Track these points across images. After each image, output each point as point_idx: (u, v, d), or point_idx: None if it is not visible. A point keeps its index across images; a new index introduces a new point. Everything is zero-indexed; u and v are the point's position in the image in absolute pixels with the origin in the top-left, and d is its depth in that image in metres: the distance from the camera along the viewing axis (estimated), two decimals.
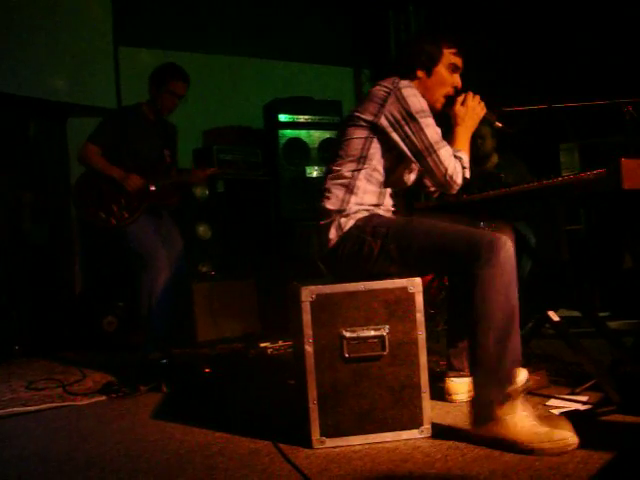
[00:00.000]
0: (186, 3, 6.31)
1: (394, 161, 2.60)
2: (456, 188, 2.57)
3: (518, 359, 2.26)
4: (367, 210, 2.55)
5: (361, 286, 2.33)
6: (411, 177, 2.79)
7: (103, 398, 3.25)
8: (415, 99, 2.51)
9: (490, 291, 2.24)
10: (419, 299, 2.35)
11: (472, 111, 2.65)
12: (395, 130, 2.52)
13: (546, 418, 2.24)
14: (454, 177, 2.52)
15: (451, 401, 2.74)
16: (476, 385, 2.30)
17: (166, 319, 4.01)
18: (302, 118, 5.84)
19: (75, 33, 5.72)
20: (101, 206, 3.96)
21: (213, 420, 2.70)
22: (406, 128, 2.50)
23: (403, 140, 2.53)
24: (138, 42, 6.11)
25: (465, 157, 2.59)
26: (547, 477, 1.91)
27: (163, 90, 4.05)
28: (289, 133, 5.84)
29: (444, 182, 2.54)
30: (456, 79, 2.69)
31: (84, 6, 5.83)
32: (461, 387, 2.75)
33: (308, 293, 2.30)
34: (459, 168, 2.54)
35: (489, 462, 2.05)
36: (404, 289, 2.34)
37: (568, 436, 2.10)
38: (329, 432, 2.29)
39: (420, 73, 2.66)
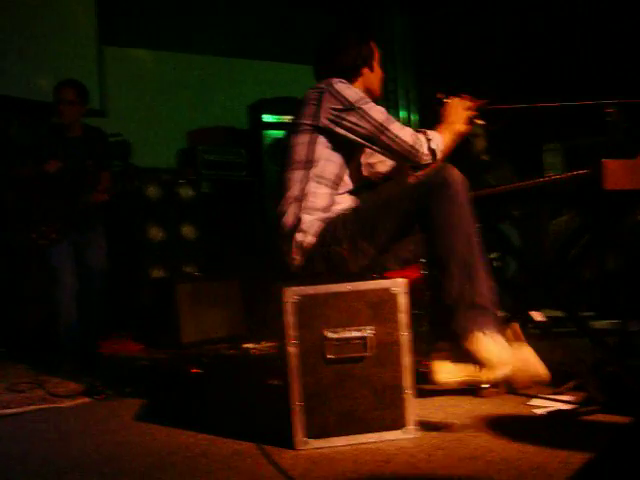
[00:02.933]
0: (171, 3, 6.29)
1: (348, 155, 2.62)
2: (425, 158, 2.58)
3: (488, 294, 2.31)
4: (321, 219, 2.53)
5: (345, 287, 2.33)
6: (387, 164, 2.84)
7: (86, 400, 3.23)
8: (350, 90, 2.58)
9: (447, 219, 2.30)
10: (403, 300, 2.34)
11: (456, 110, 2.69)
12: (338, 124, 2.55)
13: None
14: (415, 145, 2.55)
15: (435, 381, 2.65)
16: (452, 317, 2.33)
17: (76, 335, 4.01)
18: (287, 118, 5.84)
19: (59, 33, 5.69)
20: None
21: (197, 421, 2.69)
22: (350, 118, 2.54)
23: (350, 131, 2.56)
24: (123, 42, 6.08)
25: (433, 135, 2.62)
26: (531, 477, 1.91)
27: (56, 101, 4.10)
28: (274, 133, 5.84)
29: (407, 154, 2.57)
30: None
31: (68, 6, 5.80)
32: (445, 367, 2.71)
33: (291, 294, 2.29)
34: (422, 138, 2.58)
35: (473, 462, 2.05)
36: (387, 290, 2.33)
37: (540, 369, 2.17)
38: (313, 433, 2.28)
39: (365, 70, 2.77)
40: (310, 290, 2.31)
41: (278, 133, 5.82)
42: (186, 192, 5.27)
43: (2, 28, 5.37)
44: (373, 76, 2.82)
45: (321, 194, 2.55)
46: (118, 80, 5.89)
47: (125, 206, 4.95)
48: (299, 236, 2.51)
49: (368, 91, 2.74)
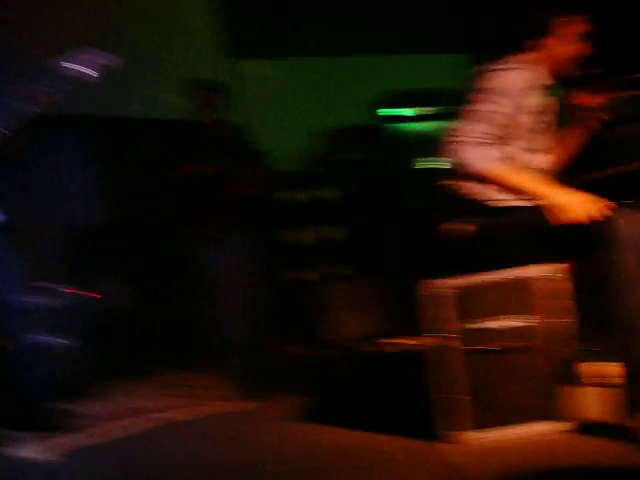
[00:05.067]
0: (285, 10, 6.37)
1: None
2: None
3: None
4: (502, 198, 2.45)
5: (504, 275, 2.25)
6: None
7: (250, 404, 3.31)
8: (499, 79, 2.40)
9: None
10: (566, 286, 2.24)
11: (572, 199, 2.25)
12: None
13: None
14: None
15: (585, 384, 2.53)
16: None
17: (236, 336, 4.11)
18: (414, 110, 5.75)
19: (188, 50, 5.90)
20: None
21: (359, 421, 2.68)
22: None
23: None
24: (250, 54, 6.22)
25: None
26: None
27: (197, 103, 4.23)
28: (401, 127, 5.77)
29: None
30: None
31: (195, 22, 6.00)
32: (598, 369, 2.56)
33: (448, 285, 2.25)
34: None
35: None
36: (548, 276, 2.24)
37: None
38: (478, 425, 2.23)
39: (545, 41, 2.48)
40: (467, 280, 2.25)
41: (405, 126, 5.74)
42: (329, 194, 5.32)
43: (135, 54, 5.62)
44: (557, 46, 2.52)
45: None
46: (249, 91, 6.02)
47: (271, 212, 5.06)
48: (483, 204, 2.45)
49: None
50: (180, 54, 5.83)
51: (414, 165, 5.66)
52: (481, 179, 2.39)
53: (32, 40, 4.52)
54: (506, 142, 2.44)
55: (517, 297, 2.24)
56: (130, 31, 5.55)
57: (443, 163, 2.53)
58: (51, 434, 3.01)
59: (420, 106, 5.75)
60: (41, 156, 3.90)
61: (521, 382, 2.23)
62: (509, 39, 2.61)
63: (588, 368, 2.58)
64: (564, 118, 2.59)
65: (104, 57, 2.84)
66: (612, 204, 2.22)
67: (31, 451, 2.81)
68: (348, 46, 6.52)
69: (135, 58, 5.55)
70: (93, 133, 5.16)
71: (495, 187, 2.42)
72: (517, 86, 2.40)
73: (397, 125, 5.77)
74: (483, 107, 2.40)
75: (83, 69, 2.78)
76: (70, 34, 5.01)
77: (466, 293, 2.25)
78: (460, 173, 2.46)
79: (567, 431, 2.21)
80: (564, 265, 2.25)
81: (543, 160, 2.55)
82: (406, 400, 2.95)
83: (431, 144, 5.69)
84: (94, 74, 2.83)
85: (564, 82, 2.59)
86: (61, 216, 5.07)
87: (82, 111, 5.03)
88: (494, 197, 2.44)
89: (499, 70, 2.44)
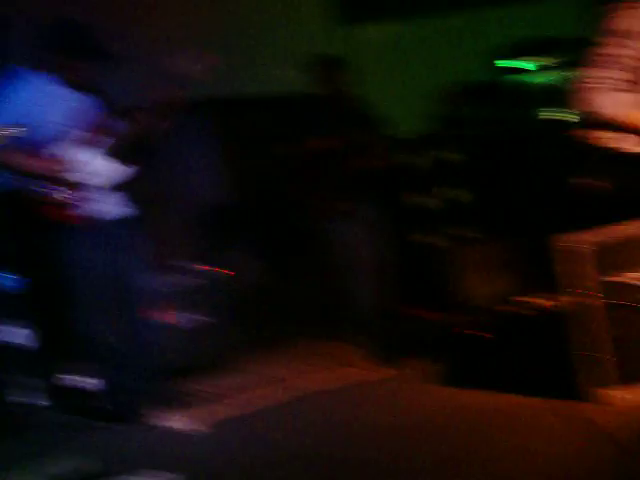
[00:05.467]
0: None
1: None
2: None
3: None
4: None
5: None
6: None
7: (388, 371, 3.33)
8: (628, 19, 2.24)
9: None
10: None
11: None
12: None
13: None
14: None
15: None
16: None
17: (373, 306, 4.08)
18: (534, 61, 5.51)
19: (298, 23, 5.93)
20: None
21: (499, 383, 2.65)
22: None
23: None
24: (359, 19, 6.17)
25: None
26: None
27: (320, 77, 4.16)
28: (522, 79, 5.56)
29: None
30: None
31: None
32: None
33: (585, 240, 2.17)
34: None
35: None
36: None
37: None
38: (622, 383, 2.17)
39: None
40: (606, 234, 2.17)
41: (526, 78, 5.51)
42: (451, 156, 5.22)
43: (250, 32, 5.69)
44: None
45: None
46: (363, 57, 5.97)
47: (396, 179, 5.03)
48: None
49: None
50: (293, 27, 5.88)
51: (539, 118, 5.46)
52: (615, 127, 2.28)
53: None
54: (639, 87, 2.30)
55: None
56: (244, 12, 5.65)
57: (571, 114, 2.42)
58: (194, 407, 3.17)
59: (541, 56, 5.51)
60: (172, 138, 4.04)
61: None
62: None
63: None
64: None
65: (208, 58, 3.04)
66: None
67: (177, 423, 2.97)
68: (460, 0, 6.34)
69: (251, 36, 5.67)
70: (219, 113, 5.30)
71: (630, 134, 2.29)
72: None
73: (518, 77, 5.57)
74: (612, 51, 2.27)
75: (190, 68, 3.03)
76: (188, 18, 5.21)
77: (605, 247, 2.17)
78: (592, 122, 2.34)
79: None
80: None
81: None
82: (546, 360, 2.88)
83: (556, 95, 5.49)
84: (201, 73, 3.06)
85: None
86: (193, 196, 5.27)
87: (205, 92, 5.20)
88: (630, 145, 2.32)
89: (628, 9, 2.29)
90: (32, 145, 2.93)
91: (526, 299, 4.27)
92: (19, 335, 3.95)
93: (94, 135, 3.13)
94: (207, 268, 4.12)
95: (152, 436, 2.86)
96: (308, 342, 4.50)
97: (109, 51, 3.10)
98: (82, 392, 3.71)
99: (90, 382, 3.40)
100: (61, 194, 3.00)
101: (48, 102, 3.03)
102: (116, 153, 3.20)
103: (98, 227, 3.09)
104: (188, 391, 3.54)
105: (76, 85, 3.11)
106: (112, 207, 3.19)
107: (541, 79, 5.49)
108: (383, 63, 6.06)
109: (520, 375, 2.73)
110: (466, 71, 5.89)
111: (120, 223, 3.22)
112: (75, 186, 3.02)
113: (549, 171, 5.24)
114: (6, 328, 3.96)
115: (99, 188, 3.11)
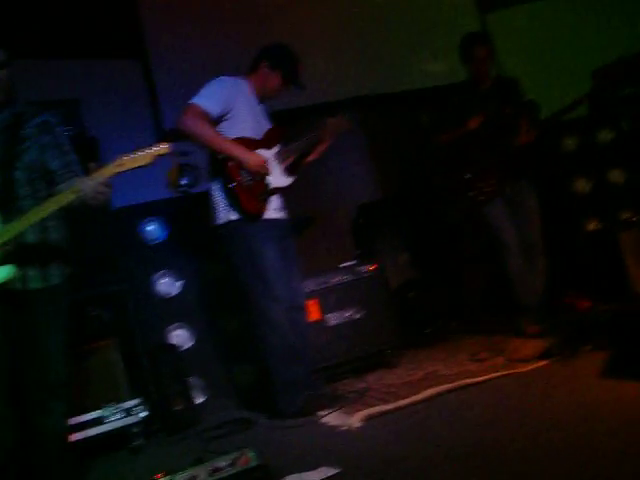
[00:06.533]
0: None
1: None
2: None
3: None
4: None
5: None
6: None
7: (545, 363, 3.23)
8: None
9: None
10: None
11: None
12: None
13: None
14: None
15: None
16: None
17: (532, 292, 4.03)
18: None
19: (441, 18, 5.86)
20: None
21: None
22: None
23: None
24: (499, 5, 6.01)
25: None
26: None
27: (468, 59, 4.15)
28: None
29: None
30: None
31: None
32: None
33: None
34: None
35: None
36: None
37: None
38: None
39: None
40: None
41: None
42: (605, 136, 4.96)
43: (394, 29, 5.70)
44: None
45: None
46: (503, 42, 5.81)
47: (547, 161, 4.86)
48: None
49: None
50: (432, 21, 5.83)
51: None
52: None
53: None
54: None
55: None
56: (386, 13, 5.69)
57: None
58: (351, 404, 3.24)
59: None
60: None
61: None
62: None
63: None
64: None
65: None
66: None
67: (337, 419, 3.05)
68: None
69: (395, 35, 5.70)
70: (365, 112, 5.37)
71: None
72: None
73: None
74: None
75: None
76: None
77: None
78: None
79: None
80: None
81: None
82: None
83: None
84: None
85: None
86: (348, 196, 5.38)
87: (353, 93, 5.30)
88: None
89: None
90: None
91: None
92: (188, 338, 4.24)
93: (273, 141, 3.58)
94: (364, 265, 4.18)
95: (315, 432, 2.96)
96: (467, 335, 4.46)
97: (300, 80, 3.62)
98: (256, 389, 3.92)
99: (262, 380, 3.58)
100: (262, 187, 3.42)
101: (249, 105, 3.54)
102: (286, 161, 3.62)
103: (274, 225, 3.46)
104: (347, 388, 3.63)
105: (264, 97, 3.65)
106: (281, 209, 3.58)
107: None
108: (525, 46, 5.88)
109: None
110: (615, 49, 5.57)
111: (287, 225, 3.59)
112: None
113: None
114: (180, 332, 4.26)
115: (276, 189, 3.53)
